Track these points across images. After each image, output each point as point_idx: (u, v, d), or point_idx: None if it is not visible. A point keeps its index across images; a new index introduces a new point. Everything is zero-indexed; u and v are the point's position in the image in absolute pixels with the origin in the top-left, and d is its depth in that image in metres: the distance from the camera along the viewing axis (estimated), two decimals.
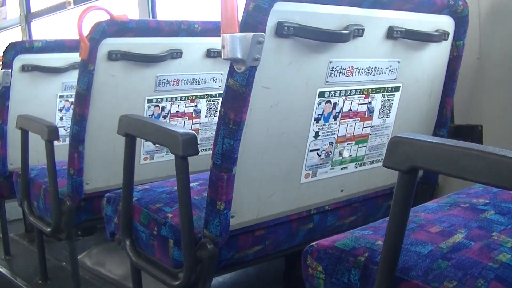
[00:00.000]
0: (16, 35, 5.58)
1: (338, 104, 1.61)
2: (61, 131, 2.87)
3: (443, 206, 1.38)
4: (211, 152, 1.45)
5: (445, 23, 1.78)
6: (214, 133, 1.45)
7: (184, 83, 2.30)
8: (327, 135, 1.63)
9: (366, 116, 1.71)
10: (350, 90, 1.63)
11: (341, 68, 1.56)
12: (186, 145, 1.47)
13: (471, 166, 0.90)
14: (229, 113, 1.38)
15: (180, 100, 2.33)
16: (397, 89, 1.75)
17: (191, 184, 1.63)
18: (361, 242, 1.21)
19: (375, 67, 1.65)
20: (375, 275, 1.09)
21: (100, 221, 2.05)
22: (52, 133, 2.22)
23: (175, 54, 2.22)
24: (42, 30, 5.38)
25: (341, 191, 1.77)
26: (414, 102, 1.83)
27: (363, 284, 1.14)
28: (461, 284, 1.01)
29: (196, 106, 2.39)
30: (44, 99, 2.91)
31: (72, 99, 2.78)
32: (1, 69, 2.73)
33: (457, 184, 1.89)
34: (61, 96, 2.98)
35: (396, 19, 1.63)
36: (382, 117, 1.76)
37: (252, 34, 1.32)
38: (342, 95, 1.61)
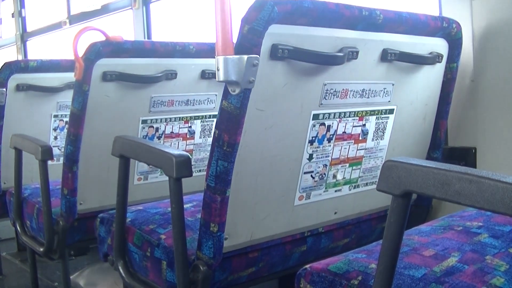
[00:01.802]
0: (11, 54, 5.59)
1: (332, 126, 1.62)
2: (55, 151, 2.87)
3: (436, 229, 1.38)
4: (205, 173, 1.45)
5: (439, 45, 1.80)
6: (208, 154, 1.45)
7: (178, 104, 2.31)
8: (321, 157, 1.63)
9: (360, 138, 1.71)
10: (344, 113, 1.63)
11: (335, 91, 1.57)
12: (180, 167, 1.47)
13: (465, 190, 0.90)
14: (224, 135, 1.39)
15: (175, 121, 2.33)
16: (391, 111, 1.75)
17: (185, 206, 1.63)
18: (354, 265, 1.20)
19: (369, 90, 1.66)
20: None
21: (94, 241, 2.04)
22: (46, 153, 2.21)
23: (170, 75, 2.23)
24: (38, 49, 5.39)
25: (335, 213, 1.77)
26: (408, 125, 1.84)
27: None
28: None
29: (190, 127, 2.39)
30: (39, 119, 2.91)
31: (67, 119, 2.79)
32: None
33: (451, 206, 1.89)
34: (55, 116, 2.98)
35: (390, 41, 1.64)
36: (376, 140, 1.76)
37: (247, 56, 1.33)
38: (336, 118, 1.61)
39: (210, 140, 2.38)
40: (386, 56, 1.63)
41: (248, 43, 1.33)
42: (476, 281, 1.08)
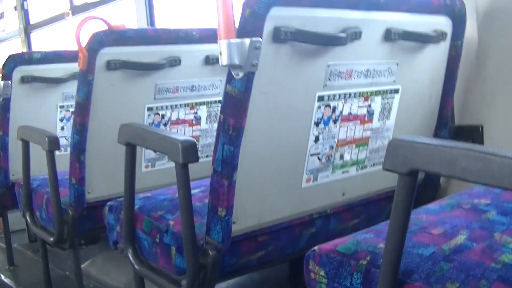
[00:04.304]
0: (16, 47, 5.60)
1: (337, 107, 1.61)
2: (62, 141, 2.88)
3: (444, 208, 1.38)
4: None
5: (443, 23, 1.78)
6: (214, 139, 1.45)
7: (183, 90, 2.30)
8: (327, 139, 1.63)
9: (366, 119, 1.71)
10: (349, 94, 1.62)
11: (339, 72, 1.56)
12: (186, 153, 1.47)
13: (471, 167, 0.90)
14: (229, 119, 1.38)
15: (180, 107, 2.33)
16: (396, 91, 1.75)
17: (193, 191, 1.63)
18: (363, 245, 1.20)
19: (374, 70, 1.65)
20: (377, 279, 1.08)
21: (103, 229, 2.05)
22: (52, 143, 2.22)
23: (174, 61, 2.22)
24: (42, 41, 5.39)
25: (343, 194, 1.77)
26: (414, 104, 1.83)
27: (366, 287, 1.13)
28: (463, 285, 1.00)
29: (196, 113, 2.39)
30: (45, 110, 2.92)
31: (73, 109, 2.79)
32: (1, 80, 2.74)
33: (459, 185, 1.89)
34: (61, 106, 2.99)
35: (393, 21, 1.63)
36: (382, 120, 1.75)
37: (249, 40, 1.32)
38: (342, 99, 1.61)
39: (216, 125, 2.38)
40: (390, 35, 1.62)
41: (250, 26, 1.33)
42: (485, 258, 1.07)
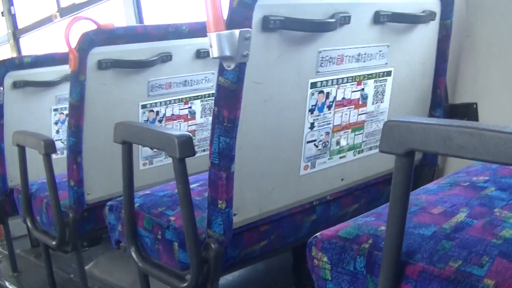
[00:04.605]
0: (5, 53, 5.57)
1: (331, 93, 1.61)
2: (59, 144, 2.87)
3: (443, 187, 1.38)
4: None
5: (431, 3, 1.78)
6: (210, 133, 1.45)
7: (176, 85, 2.30)
8: (322, 125, 1.63)
9: (360, 103, 1.71)
10: (342, 79, 1.62)
11: (330, 57, 1.56)
12: (182, 147, 1.47)
13: (467, 144, 0.90)
14: (223, 111, 1.38)
15: (174, 103, 2.33)
16: (388, 73, 1.75)
17: (192, 186, 1.63)
18: (364, 229, 1.21)
19: (365, 53, 1.65)
20: (380, 261, 1.09)
21: (105, 230, 2.05)
22: (49, 147, 2.21)
23: (165, 57, 2.22)
24: (32, 46, 5.37)
25: (342, 180, 1.77)
26: (407, 85, 1.83)
27: (369, 271, 1.14)
28: (466, 262, 1.01)
29: (190, 107, 2.39)
30: (39, 114, 2.91)
31: (67, 112, 2.78)
32: None
33: (457, 164, 1.89)
34: (55, 110, 2.98)
35: (381, 3, 1.63)
36: (376, 103, 1.75)
37: (239, 30, 1.32)
38: (334, 84, 1.61)
39: (211, 119, 2.38)
40: (379, 18, 1.62)
41: (239, 17, 1.33)
42: (486, 235, 1.08)
